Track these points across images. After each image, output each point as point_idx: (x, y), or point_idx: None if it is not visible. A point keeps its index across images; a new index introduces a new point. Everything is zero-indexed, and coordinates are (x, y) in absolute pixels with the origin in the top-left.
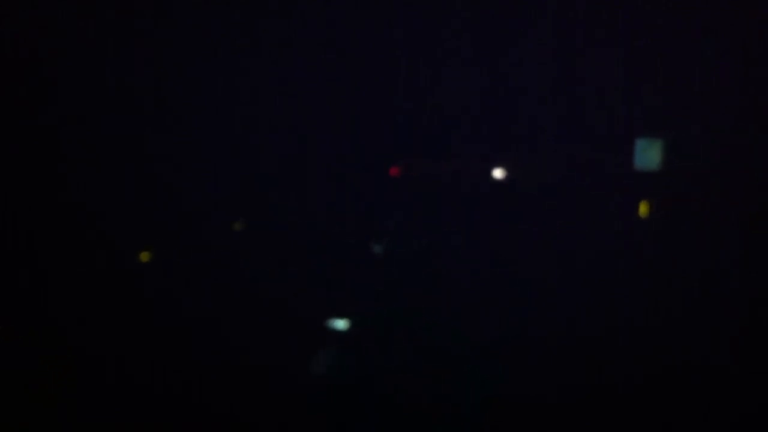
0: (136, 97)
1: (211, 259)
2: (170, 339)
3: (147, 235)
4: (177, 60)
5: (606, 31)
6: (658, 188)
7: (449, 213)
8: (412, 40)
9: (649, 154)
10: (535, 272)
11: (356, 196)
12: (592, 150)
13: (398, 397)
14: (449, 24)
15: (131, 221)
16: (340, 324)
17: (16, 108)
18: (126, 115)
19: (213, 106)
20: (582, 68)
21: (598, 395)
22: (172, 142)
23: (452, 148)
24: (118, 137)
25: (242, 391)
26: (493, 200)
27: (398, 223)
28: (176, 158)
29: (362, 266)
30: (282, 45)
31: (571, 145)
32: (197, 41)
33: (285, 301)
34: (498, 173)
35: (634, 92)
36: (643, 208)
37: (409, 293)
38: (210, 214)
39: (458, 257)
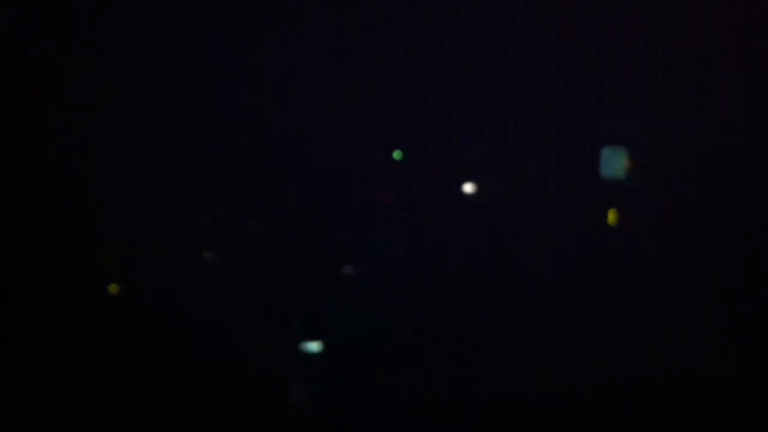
0: (136, 97)
1: (206, 260)
2: (165, 338)
3: (145, 233)
4: (176, 59)
5: (605, 31)
6: (656, 189)
7: (443, 215)
8: (409, 40)
9: (614, 164)
10: (530, 274)
11: (352, 197)
12: (589, 150)
13: (393, 400)
14: (446, 25)
15: (130, 220)
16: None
17: (16, 108)
18: (124, 115)
19: (212, 105)
20: (579, 68)
21: (596, 396)
22: (171, 140)
23: (447, 149)
24: (116, 136)
25: (233, 393)
26: (485, 202)
27: (393, 224)
28: (175, 157)
29: (356, 267)
30: (282, 45)
31: (568, 146)
32: (196, 40)
33: (278, 300)
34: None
35: (635, 91)
36: (611, 217)
37: (403, 295)
38: (207, 213)
39: (450, 259)
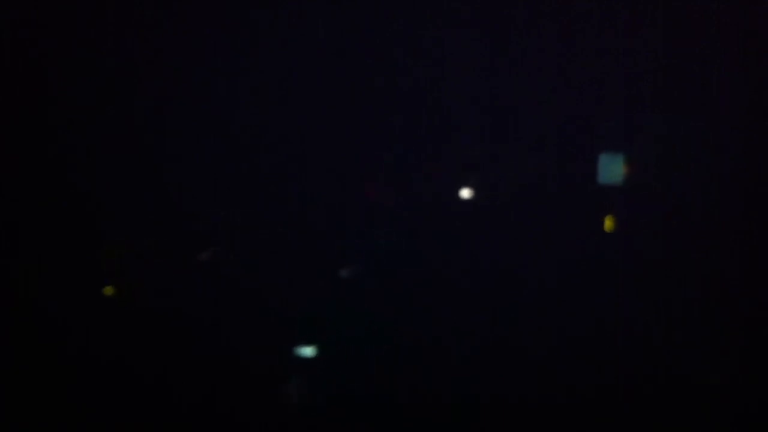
0: (136, 97)
1: (205, 260)
2: (165, 338)
3: (145, 233)
4: (176, 59)
5: (605, 31)
6: (654, 192)
7: (443, 215)
8: (409, 40)
9: (611, 170)
10: (529, 274)
11: (352, 197)
12: (589, 150)
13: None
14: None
15: (130, 220)
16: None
17: (16, 108)
18: (124, 115)
19: (212, 105)
20: (579, 68)
21: (596, 396)
22: (171, 140)
23: (447, 149)
24: (116, 136)
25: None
26: (485, 202)
27: (391, 226)
28: (175, 157)
29: (354, 269)
30: (282, 45)
31: (568, 146)
32: (196, 40)
33: (273, 301)
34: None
35: (635, 91)
36: (608, 223)
37: (403, 295)
38: (206, 215)
39: (450, 260)
